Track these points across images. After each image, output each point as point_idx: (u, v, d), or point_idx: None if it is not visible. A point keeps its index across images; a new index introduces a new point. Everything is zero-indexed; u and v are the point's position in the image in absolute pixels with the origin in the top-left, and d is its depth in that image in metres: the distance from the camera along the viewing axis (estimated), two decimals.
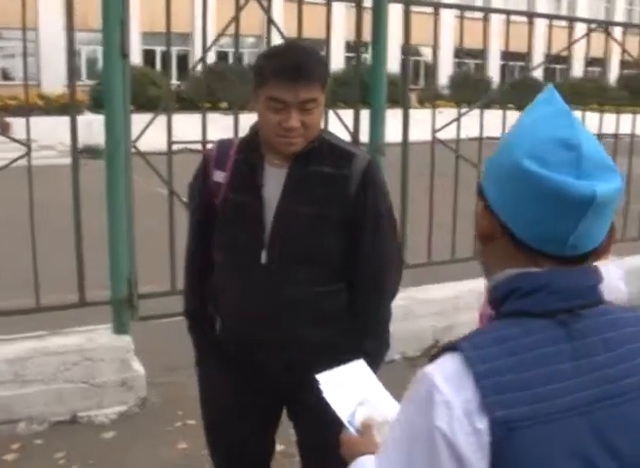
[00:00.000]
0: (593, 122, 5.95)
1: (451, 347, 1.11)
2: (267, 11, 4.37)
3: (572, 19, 6.12)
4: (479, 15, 5.78)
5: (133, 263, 4.29)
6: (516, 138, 1.15)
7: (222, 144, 2.30)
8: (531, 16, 5.45)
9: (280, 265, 2.17)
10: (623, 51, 5.97)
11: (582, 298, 1.14)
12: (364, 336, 2.27)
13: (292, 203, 2.16)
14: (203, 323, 2.37)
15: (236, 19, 4.29)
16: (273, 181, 2.19)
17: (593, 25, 5.75)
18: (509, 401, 1.04)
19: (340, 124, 4.58)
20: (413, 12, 4.96)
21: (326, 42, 4.67)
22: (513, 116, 5.49)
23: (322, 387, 1.72)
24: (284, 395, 2.38)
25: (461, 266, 5.66)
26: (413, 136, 5.27)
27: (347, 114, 4.81)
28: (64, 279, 4.56)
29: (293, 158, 2.17)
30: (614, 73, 24.27)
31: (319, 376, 1.76)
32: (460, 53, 28.70)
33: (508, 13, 5.40)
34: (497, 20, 5.27)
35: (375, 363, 2.12)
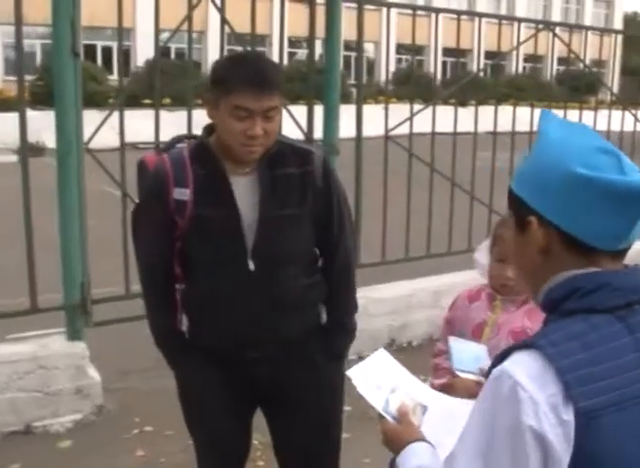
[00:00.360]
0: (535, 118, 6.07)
1: (527, 345, 1.18)
2: (221, 10, 4.29)
3: (518, 20, 6.19)
4: (422, 11, 5.81)
5: (86, 267, 4.18)
6: (558, 153, 1.23)
7: (175, 160, 2.22)
8: (478, 16, 5.49)
9: (268, 269, 2.24)
10: (569, 50, 6.08)
11: (637, 294, 1.23)
12: (336, 329, 2.43)
13: (270, 208, 2.22)
14: (176, 336, 2.37)
15: (189, 17, 4.22)
16: (241, 190, 2.22)
17: (540, 26, 5.85)
18: (590, 392, 1.12)
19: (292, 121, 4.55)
20: (353, 8, 4.93)
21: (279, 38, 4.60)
22: (458, 111, 5.53)
23: (354, 382, 1.74)
24: (263, 392, 2.44)
25: (415, 265, 5.70)
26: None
27: (299, 110, 4.78)
28: (12, 282, 4.43)
29: (258, 164, 2.22)
30: (552, 70, 24.73)
31: (349, 372, 1.79)
32: (402, 49, 29.00)
33: (459, 13, 5.44)
34: (439, 18, 5.27)
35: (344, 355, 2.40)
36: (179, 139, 2.46)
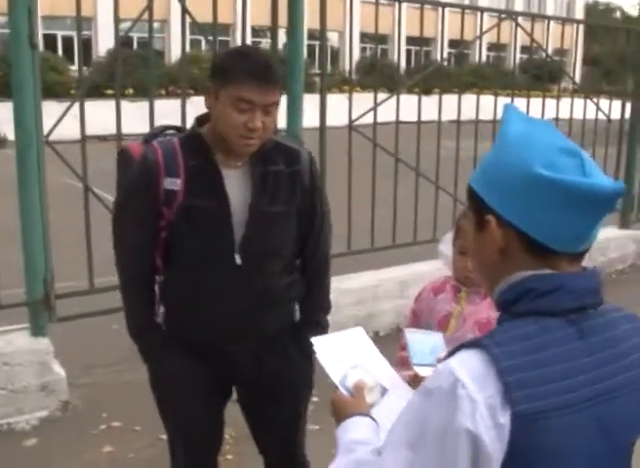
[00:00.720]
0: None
1: (473, 344, 1.17)
2: (182, 0, 4.24)
3: (481, 10, 6.21)
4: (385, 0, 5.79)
5: (49, 262, 4.12)
6: (519, 152, 1.20)
7: (166, 150, 2.21)
8: (441, 5, 5.49)
9: (254, 264, 2.26)
10: (532, 40, 6.13)
11: (592, 298, 1.23)
12: (310, 327, 2.40)
13: (261, 204, 2.24)
14: (154, 329, 2.37)
15: (149, 8, 4.16)
16: (232, 183, 2.23)
17: (503, 15, 5.88)
18: (531, 395, 1.10)
19: None
20: None
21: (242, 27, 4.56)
22: (422, 100, 5.52)
23: (316, 349, 1.76)
24: (240, 383, 2.51)
25: (380, 255, 5.71)
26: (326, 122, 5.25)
27: None
28: None
29: (251, 159, 2.24)
30: (514, 59, 24.90)
31: (314, 339, 1.80)
32: (366, 38, 28.98)
33: (422, 3, 5.44)
34: (403, 6, 5.27)
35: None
36: (161, 130, 2.46)
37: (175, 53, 26.20)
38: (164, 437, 3.75)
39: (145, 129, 4.43)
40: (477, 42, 5.56)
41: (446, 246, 2.40)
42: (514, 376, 1.10)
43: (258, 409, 2.57)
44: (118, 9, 4.05)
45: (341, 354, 1.77)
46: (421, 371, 1.94)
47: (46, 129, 3.99)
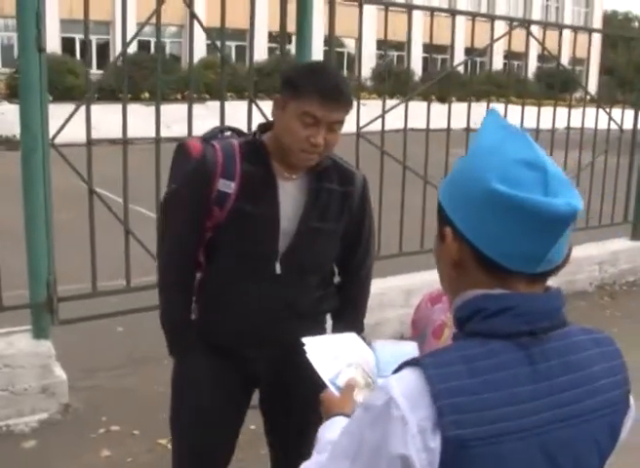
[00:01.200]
0: (515, 115, 6.06)
1: (414, 362, 1.12)
2: (190, 5, 4.25)
3: (493, 17, 6.18)
4: (400, 8, 5.79)
5: (52, 265, 4.13)
6: (480, 163, 1.15)
7: (226, 152, 2.24)
8: (453, 13, 5.47)
9: (293, 275, 2.29)
10: (543, 48, 6.10)
11: (548, 321, 1.15)
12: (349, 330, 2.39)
13: (311, 219, 2.27)
14: (189, 328, 2.38)
15: (157, 12, 4.17)
16: (285, 194, 2.26)
17: (515, 23, 5.86)
18: (464, 421, 1.05)
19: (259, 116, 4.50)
20: (337, 3, 4.91)
21: (250, 32, 4.57)
22: (435, 108, 5.55)
23: (306, 348, 1.74)
24: (262, 384, 2.50)
25: (386, 263, 5.67)
26: None
27: (268, 105, 4.72)
28: None
29: (307, 174, 2.28)
30: (532, 67, 24.89)
31: (305, 339, 1.79)
32: (383, 45, 28.95)
33: (432, 10, 5.42)
34: (420, 14, 5.27)
35: None
36: (220, 130, 2.51)
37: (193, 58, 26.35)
38: (162, 442, 3.79)
39: (164, 133, 4.47)
40: (491, 50, 5.54)
41: None
42: (447, 400, 1.05)
43: (274, 415, 2.58)
44: (126, 13, 4.06)
45: (336, 352, 1.75)
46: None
47: (61, 131, 4.00)
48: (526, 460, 1.10)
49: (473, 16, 5.73)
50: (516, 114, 6.01)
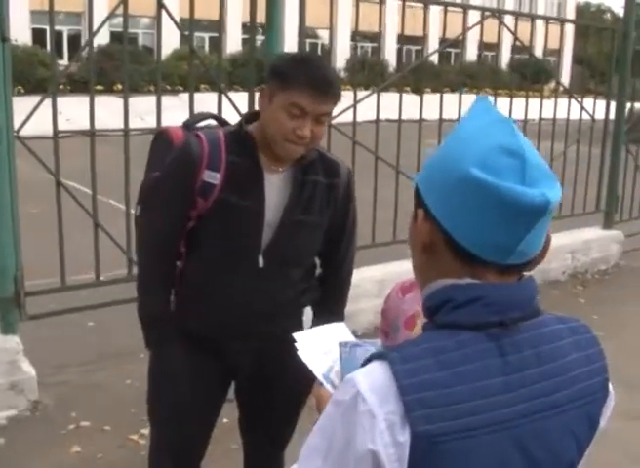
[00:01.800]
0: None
1: (381, 356, 1.09)
2: None
3: (465, 7, 6.16)
4: None
5: (19, 259, 4.05)
6: (460, 147, 1.12)
7: (212, 142, 2.20)
8: (426, 3, 5.45)
9: (275, 269, 2.26)
10: (515, 38, 6.10)
11: (520, 311, 1.12)
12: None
13: (295, 212, 2.24)
14: (167, 321, 2.34)
15: (124, 1, 4.10)
16: (270, 186, 2.22)
17: (487, 13, 5.85)
18: (433, 416, 1.03)
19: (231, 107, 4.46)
20: None
21: (219, 23, 4.51)
22: (409, 98, 5.51)
23: (297, 345, 1.71)
24: (241, 376, 2.48)
25: (359, 254, 5.63)
26: None
27: (242, 97, 4.69)
28: None
29: (293, 166, 2.24)
30: (505, 58, 24.95)
31: (295, 335, 1.76)
32: (357, 36, 28.92)
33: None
34: (393, 5, 5.24)
35: None
36: (202, 117, 2.47)
37: (165, 49, 26.12)
38: (133, 437, 3.75)
39: (134, 124, 4.42)
40: (464, 40, 5.53)
41: None
42: (415, 395, 1.03)
43: (254, 408, 2.56)
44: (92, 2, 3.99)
45: (326, 347, 1.71)
46: None
47: (31, 123, 3.92)
48: (498, 454, 1.07)
49: (445, 5, 5.70)
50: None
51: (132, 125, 4.41)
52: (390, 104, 5.50)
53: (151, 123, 4.38)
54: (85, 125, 4.24)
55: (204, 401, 2.43)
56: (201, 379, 2.38)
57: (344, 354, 1.65)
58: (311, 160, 2.25)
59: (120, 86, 20.02)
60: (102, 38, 21.07)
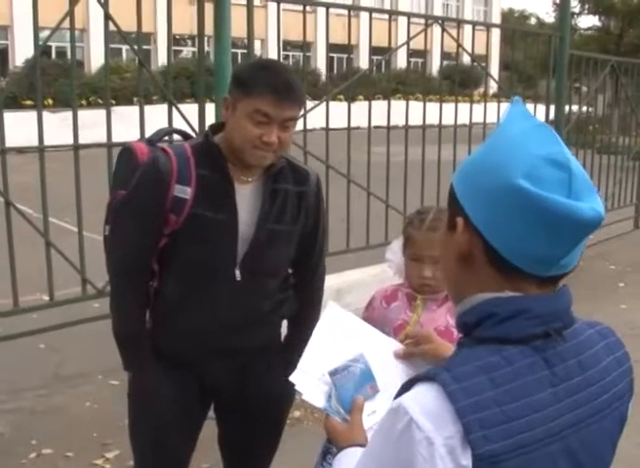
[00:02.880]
0: (418, 112, 6.12)
1: (429, 378, 1.05)
2: (105, 5, 4.09)
3: (391, 13, 6.19)
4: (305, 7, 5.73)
5: None
6: (504, 155, 1.09)
7: (180, 156, 2.15)
8: (350, 9, 5.45)
9: (252, 280, 2.23)
10: (458, 45, 6.18)
11: (560, 321, 1.12)
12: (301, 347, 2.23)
13: (268, 221, 2.21)
14: (145, 340, 2.29)
15: (71, 13, 4.00)
16: (241, 198, 2.19)
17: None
18: (493, 435, 1.01)
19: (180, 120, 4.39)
20: (236, 4, 4.80)
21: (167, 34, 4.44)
22: (341, 106, 5.47)
23: (297, 388, 1.66)
24: (219, 398, 2.44)
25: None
26: None
27: (187, 109, 4.63)
28: None
29: (262, 175, 2.21)
30: (435, 64, 25.30)
31: (292, 378, 1.69)
32: (289, 46, 28.97)
33: (328, 6, 5.40)
34: (322, 14, 5.23)
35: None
36: (166, 132, 2.43)
37: (94, 63, 25.69)
38: (98, 462, 3.65)
39: (68, 139, 4.29)
40: (395, 48, 5.55)
41: (394, 254, 2.35)
42: (474, 416, 1.00)
43: (234, 426, 2.50)
44: (37, 16, 3.87)
45: (319, 372, 1.65)
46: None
47: None
48: (552, 465, 1.07)
49: (370, 11, 5.66)
50: (419, 110, 6.08)
51: (65, 140, 4.32)
52: (319, 113, 5.50)
53: (87, 138, 4.28)
54: (14, 142, 4.12)
55: (185, 422, 2.38)
56: (181, 401, 2.33)
57: (337, 381, 1.62)
58: (280, 168, 2.23)
59: (51, 101, 19.66)
60: (30, 52, 20.64)
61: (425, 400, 1.03)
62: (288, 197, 2.25)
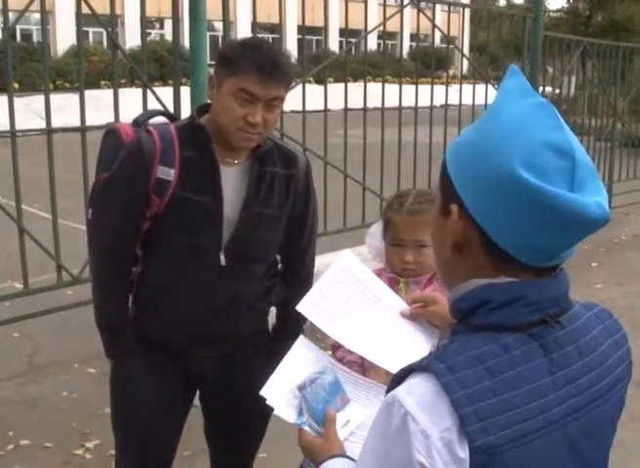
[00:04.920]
0: (393, 94, 6.07)
1: (422, 368, 1.01)
2: None
3: None
4: None
5: None
6: (501, 138, 1.01)
7: (164, 137, 2.10)
8: None
9: (238, 265, 2.18)
10: (434, 26, 6.14)
11: (558, 306, 1.08)
12: (289, 335, 2.23)
13: (254, 205, 2.17)
14: (127, 329, 2.25)
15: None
16: (227, 180, 2.15)
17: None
18: (491, 426, 0.97)
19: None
20: None
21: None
22: (312, 89, 5.41)
23: (268, 402, 1.60)
24: (204, 385, 2.41)
25: None
26: None
27: (161, 92, 4.54)
28: None
29: (249, 157, 2.17)
30: (405, 46, 25.21)
31: (263, 392, 1.62)
32: (257, 28, 28.72)
33: None
34: None
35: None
36: (152, 114, 2.38)
37: (61, 46, 25.24)
38: (79, 452, 3.59)
39: (37, 124, 4.20)
40: (365, 30, 5.47)
41: (374, 238, 2.31)
42: (470, 407, 0.96)
43: (220, 415, 2.47)
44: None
45: (290, 386, 1.60)
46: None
47: None
48: (553, 453, 1.04)
49: None
50: (392, 93, 6.04)
51: (32, 125, 4.22)
52: (294, 95, 5.44)
53: (54, 122, 4.18)
54: None
55: (169, 411, 2.34)
56: (165, 389, 2.29)
57: (307, 395, 1.57)
58: (267, 150, 2.18)
59: (17, 85, 19.30)
60: None
61: (420, 392, 0.99)
62: (275, 180, 2.21)
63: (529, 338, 1.04)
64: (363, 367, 1.98)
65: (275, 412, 1.58)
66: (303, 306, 1.72)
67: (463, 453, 0.96)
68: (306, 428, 1.49)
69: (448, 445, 0.96)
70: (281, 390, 1.61)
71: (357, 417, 1.56)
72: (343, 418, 1.54)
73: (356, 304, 1.72)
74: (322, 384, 1.60)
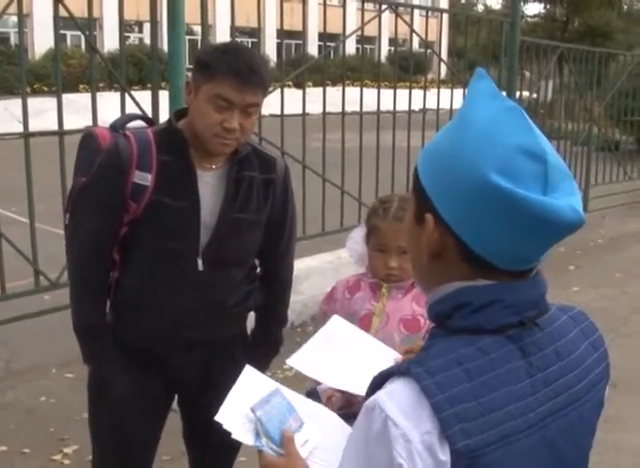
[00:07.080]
0: (371, 98, 6.11)
1: (402, 372, 1.01)
2: None
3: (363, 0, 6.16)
4: None
5: None
6: (473, 145, 1.01)
7: (141, 141, 2.09)
8: None
9: (216, 271, 2.17)
10: (412, 31, 6.18)
11: (536, 308, 1.08)
12: (266, 341, 2.44)
13: (232, 210, 2.16)
14: (105, 334, 2.25)
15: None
16: (204, 185, 2.14)
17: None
18: (471, 429, 0.97)
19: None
20: None
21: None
22: (291, 92, 5.44)
23: (225, 427, 1.60)
24: (182, 391, 2.41)
25: None
26: None
27: (139, 96, 4.54)
28: None
29: (227, 162, 2.16)
30: (383, 50, 25.29)
31: (218, 417, 1.63)
32: (237, 32, 28.70)
33: None
34: (274, 1, 5.19)
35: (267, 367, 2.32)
36: (129, 118, 2.36)
37: (39, 49, 25.05)
38: (57, 458, 3.57)
39: (16, 128, 4.17)
40: (344, 34, 5.52)
41: (355, 243, 2.31)
42: (450, 410, 0.96)
43: (199, 420, 2.42)
44: None
45: (244, 409, 1.61)
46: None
47: None
48: (533, 456, 1.04)
49: None
50: (370, 97, 6.07)
51: (10, 128, 4.19)
52: (272, 100, 5.45)
53: (32, 126, 4.16)
54: None
55: (147, 416, 2.33)
56: (143, 394, 2.29)
57: (262, 417, 1.56)
58: (245, 155, 2.18)
59: None
60: None
61: (400, 396, 0.99)
62: (253, 184, 2.20)
63: (507, 341, 1.04)
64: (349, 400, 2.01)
65: (233, 436, 1.57)
66: (293, 360, 1.75)
67: (445, 457, 0.96)
68: (266, 450, 1.49)
69: (429, 448, 0.96)
70: (235, 414, 1.61)
71: (314, 437, 1.56)
72: (302, 438, 1.54)
73: (345, 356, 1.74)
74: (274, 405, 1.60)
